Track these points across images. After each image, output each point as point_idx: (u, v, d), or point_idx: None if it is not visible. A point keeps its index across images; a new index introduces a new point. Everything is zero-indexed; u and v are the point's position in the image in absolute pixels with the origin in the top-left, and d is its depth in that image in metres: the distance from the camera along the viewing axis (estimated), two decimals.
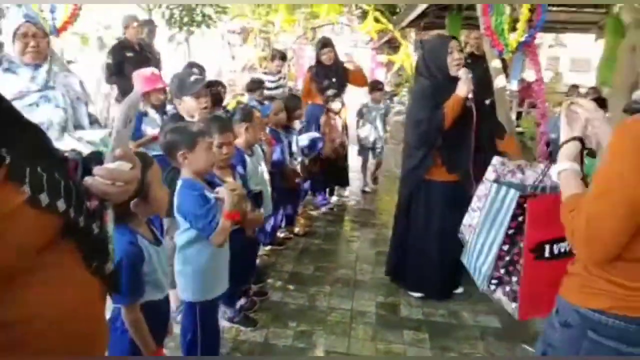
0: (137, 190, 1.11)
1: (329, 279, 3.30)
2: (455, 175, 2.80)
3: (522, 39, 3.84)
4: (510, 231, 1.70)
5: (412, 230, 2.95)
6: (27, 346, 0.77)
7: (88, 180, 0.83)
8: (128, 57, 4.71)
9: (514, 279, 1.73)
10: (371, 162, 5.53)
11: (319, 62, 4.58)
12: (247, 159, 2.72)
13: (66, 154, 0.85)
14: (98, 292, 0.89)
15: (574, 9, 6.01)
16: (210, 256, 1.98)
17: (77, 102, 2.39)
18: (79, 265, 0.84)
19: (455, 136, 2.70)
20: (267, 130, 3.26)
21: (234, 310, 2.67)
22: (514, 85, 7.43)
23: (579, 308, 1.24)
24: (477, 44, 4.23)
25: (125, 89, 4.52)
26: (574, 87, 8.53)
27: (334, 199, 5.06)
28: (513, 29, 4.18)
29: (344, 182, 5.06)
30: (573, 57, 13.93)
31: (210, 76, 4.23)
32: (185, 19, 9.40)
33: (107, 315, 1.19)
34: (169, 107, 3.20)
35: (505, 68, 4.29)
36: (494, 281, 1.74)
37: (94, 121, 2.48)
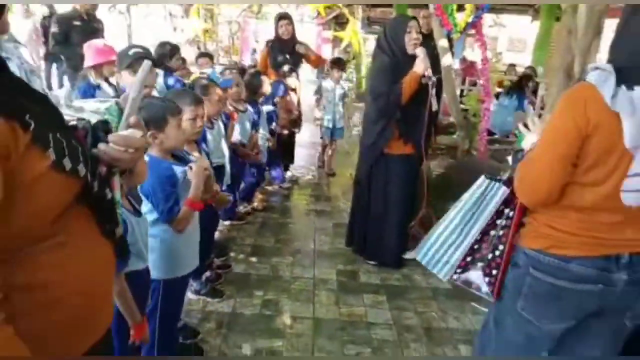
0: None
1: (289, 250, 3.41)
2: (410, 146, 2.97)
3: (470, 19, 4.04)
4: (492, 220, 1.62)
5: (373, 202, 3.11)
6: (49, 309, 0.80)
7: (101, 147, 0.86)
8: (75, 27, 4.48)
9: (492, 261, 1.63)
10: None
11: (278, 37, 4.56)
12: (208, 132, 2.72)
13: (74, 123, 0.87)
14: (111, 256, 0.93)
15: None
16: (178, 235, 1.90)
17: (31, 75, 2.29)
18: (94, 230, 0.88)
19: (412, 110, 2.86)
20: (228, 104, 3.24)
21: (199, 283, 2.71)
22: (456, 64, 7.73)
23: (525, 249, 1.46)
24: (426, 22, 4.37)
25: (70, 59, 4.33)
26: (512, 66, 9.01)
27: (288, 174, 5.13)
28: (460, 9, 4.37)
29: (290, 159, 5.08)
30: (511, 37, 14.61)
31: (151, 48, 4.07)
32: None
33: None
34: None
35: (450, 47, 4.49)
36: (458, 270, 1.66)
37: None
